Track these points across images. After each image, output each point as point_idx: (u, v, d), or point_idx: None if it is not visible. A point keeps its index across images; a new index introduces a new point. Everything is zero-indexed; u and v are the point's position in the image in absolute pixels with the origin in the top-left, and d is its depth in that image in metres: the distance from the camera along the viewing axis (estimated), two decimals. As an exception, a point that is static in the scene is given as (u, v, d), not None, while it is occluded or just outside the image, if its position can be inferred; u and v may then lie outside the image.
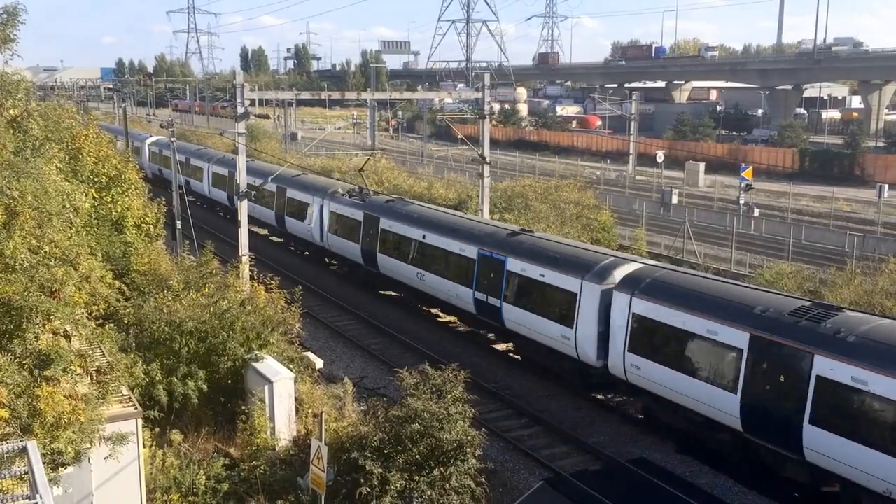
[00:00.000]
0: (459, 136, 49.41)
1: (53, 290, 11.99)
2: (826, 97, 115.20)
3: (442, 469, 14.71)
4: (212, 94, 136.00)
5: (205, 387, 17.50)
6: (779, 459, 17.12)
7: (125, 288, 17.50)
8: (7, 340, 11.72)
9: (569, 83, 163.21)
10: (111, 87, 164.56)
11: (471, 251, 25.81)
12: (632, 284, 20.32)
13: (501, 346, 26.78)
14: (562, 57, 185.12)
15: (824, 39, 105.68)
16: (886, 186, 51.93)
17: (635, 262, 22.14)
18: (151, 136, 65.97)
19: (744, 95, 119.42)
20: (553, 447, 19.73)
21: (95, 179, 22.89)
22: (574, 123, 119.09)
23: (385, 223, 30.40)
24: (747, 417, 17.10)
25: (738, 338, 17.18)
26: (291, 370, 18.43)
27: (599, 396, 22.82)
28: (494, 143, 58.94)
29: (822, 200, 56.95)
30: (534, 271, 23.32)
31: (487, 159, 32.54)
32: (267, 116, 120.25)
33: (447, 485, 14.66)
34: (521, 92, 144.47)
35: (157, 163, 60.56)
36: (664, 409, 19.68)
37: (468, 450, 14.94)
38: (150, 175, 58.26)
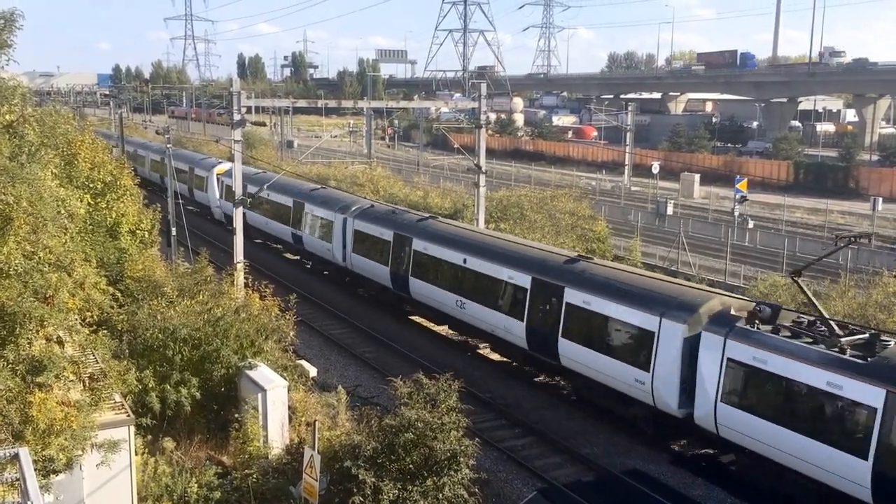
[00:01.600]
0: (456, 146, 49.56)
1: (47, 295, 11.97)
2: (821, 110, 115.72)
3: (435, 479, 14.68)
4: (208, 100, 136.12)
5: (198, 394, 17.46)
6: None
7: (119, 294, 17.51)
8: (0, 346, 11.68)
9: (565, 93, 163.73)
10: (107, 93, 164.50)
11: None
12: None
13: (496, 357, 26.77)
14: (558, 67, 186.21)
15: (820, 53, 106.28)
16: (881, 199, 52.15)
17: None
18: (220, 161, 50.03)
19: (739, 107, 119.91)
20: (546, 457, 19.70)
21: (90, 185, 22.87)
22: (570, 134, 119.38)
23: None
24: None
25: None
26: (285, 378, 18.39)
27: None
28: (490, 152, 58.92)
29: (817, 213, 57.11)
30: None
31: (483, 169, 32.60)
32: (263, 124, 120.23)
33: (440, 494, 14.61)
34: (518, 102, 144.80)
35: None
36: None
37: (461, 459, 14.91)
38: (223, 218, 44.41)
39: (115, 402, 14.08)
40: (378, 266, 30.47)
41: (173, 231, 32.70)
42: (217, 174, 47.11)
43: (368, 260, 31.25)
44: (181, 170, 50.25)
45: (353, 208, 32.68)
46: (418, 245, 28.20)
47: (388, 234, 29.94)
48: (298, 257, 39.25)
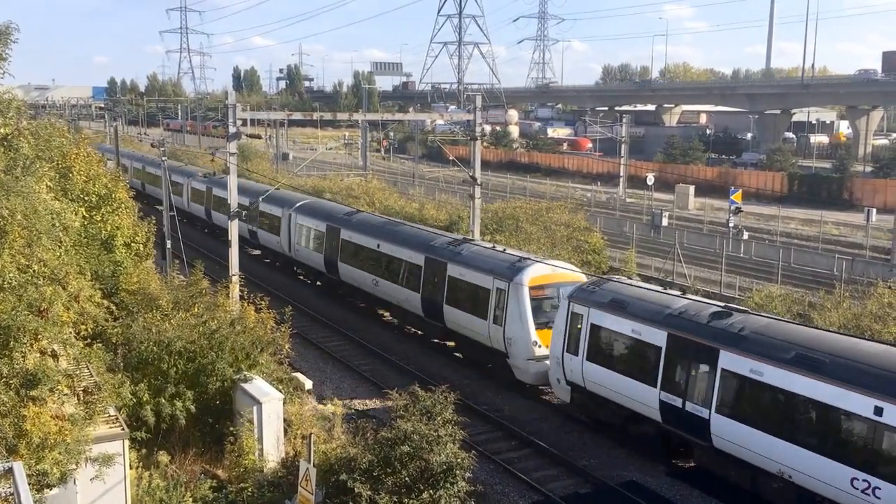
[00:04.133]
0: (451, 158, 49.62)
1: (41, 308, 11.93)
2: (814, 122, 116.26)
3: (431, 491, 14.62)
4: (204, 113, 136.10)
5: (193, 407, 17.41)
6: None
7: (114, 307, 17.43)
8: (-6, 359, 11.63)
9: (560, 106, 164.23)
10: (103, 105, 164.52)
11: None
12: None
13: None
14: (553, 80, 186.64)
15: (812, 65, 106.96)
16: (874, 210, 52.27)
17: None
18: (534, 259, 25.25)
19: (733, 119, 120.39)
20: (543, 469, 19.63)
21: (85, 198, 22.85)
22: (565, 146, 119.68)
23: None
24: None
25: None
26: (280, 391, 18.34)
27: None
28: (485, 164, 59.17)
29: (811, 224, 57.25)
30: None
31: (479, 181, 32.63)
32: (259, 136, 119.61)
33: (436, 507, 14.56)
34: (513, 114, 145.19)
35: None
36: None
37: (458, 472, 14.87)
38: (558, 389, 21.54)
39: (110, 416, 14.02)
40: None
41: (168, 243, 32.59)
42: (531, 287, 23.69)
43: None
44: (390, 258, 29.69)
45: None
46: None
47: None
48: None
